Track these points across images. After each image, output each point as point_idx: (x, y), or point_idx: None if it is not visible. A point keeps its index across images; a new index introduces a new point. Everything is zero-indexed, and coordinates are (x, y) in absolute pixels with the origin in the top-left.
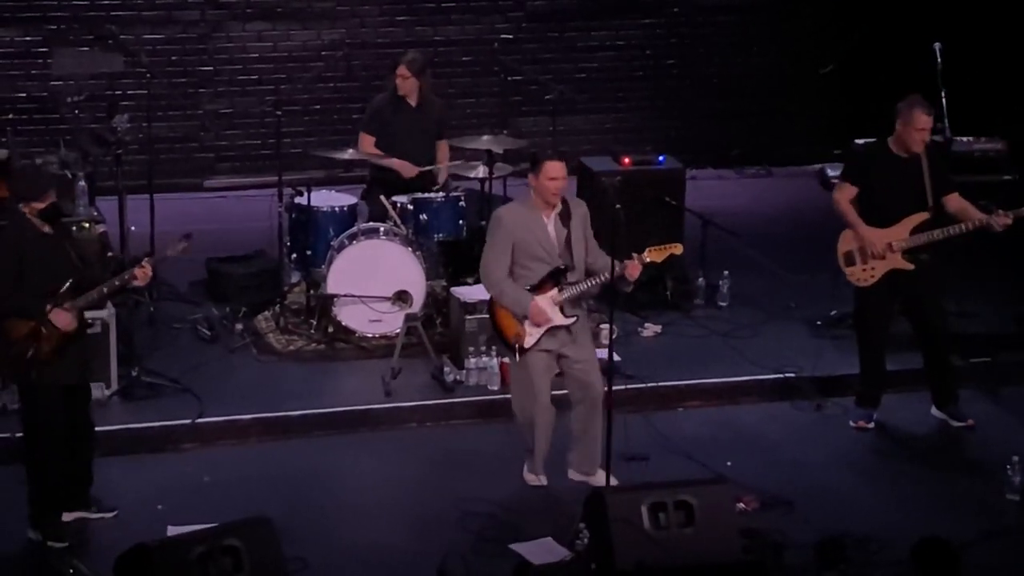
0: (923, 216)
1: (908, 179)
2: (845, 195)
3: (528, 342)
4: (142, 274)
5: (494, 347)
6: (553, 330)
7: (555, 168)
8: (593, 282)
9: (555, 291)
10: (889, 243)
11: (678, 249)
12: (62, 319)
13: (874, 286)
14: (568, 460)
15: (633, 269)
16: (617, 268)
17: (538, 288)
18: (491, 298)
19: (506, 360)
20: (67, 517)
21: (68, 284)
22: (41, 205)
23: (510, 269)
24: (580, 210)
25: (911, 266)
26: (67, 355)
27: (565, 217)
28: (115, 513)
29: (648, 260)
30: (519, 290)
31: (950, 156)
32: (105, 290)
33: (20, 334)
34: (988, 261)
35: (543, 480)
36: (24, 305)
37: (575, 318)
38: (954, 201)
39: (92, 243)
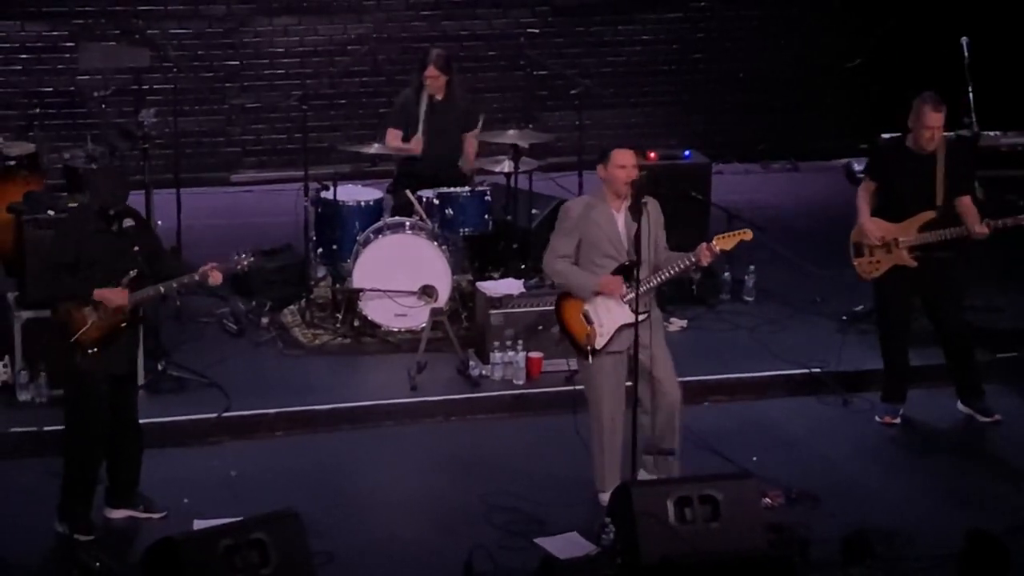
0: (930, 215)
1: (920, 177)
2: (865, 188)
3: (600, 342)
4: (216, 276)
5: (519, 341)
6: (623, 329)
7: (624, 156)
8: (663, 276)
9: (624, 288)
10: (896, 239)
11: (747, 235)
12: (114, 296)
13: (886, 281)
14: (643, 462)
15: (704, 257)
16: (688, 260)
17: None
18: (558, 301)
19: (533, 355)
20: (115, 515)
21: (130, 276)
22: (109, 211)
23: (576, 264)
24: (652, 207)
25: (914, 263)
26: (115, 344)
27: (636, 212)
28: (164, 515)
29: (718, 248)
30: (583, 272)
31: (977, 150)
32: (162, 289)
33: (69, 316)
34: (1014, 256)
35: (605, 497)
36: (74, 288)
37: (646, 315)
38: (962, 204)
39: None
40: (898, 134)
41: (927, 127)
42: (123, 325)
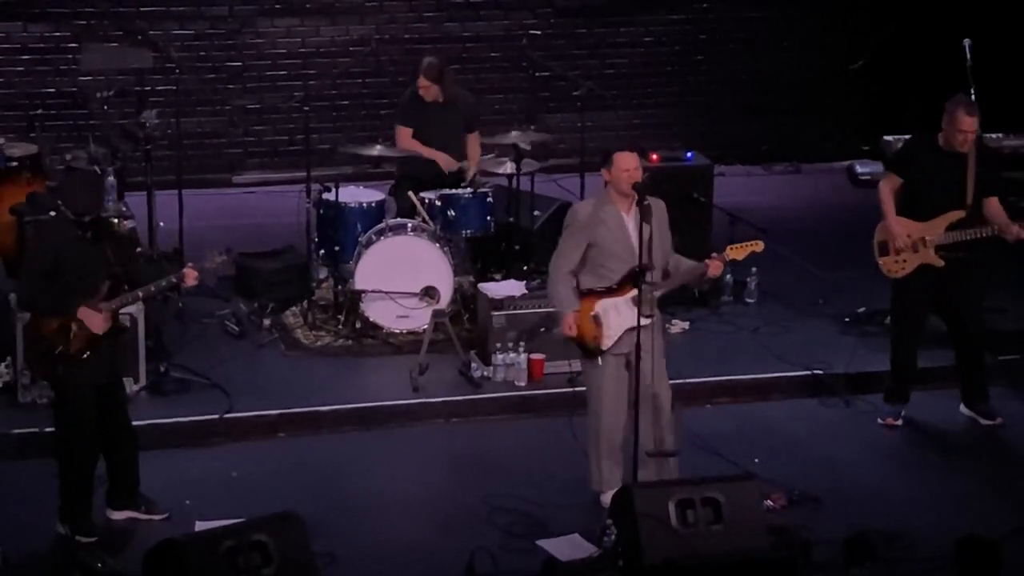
0: (959, 214)
1: (950, 175)
2: (888, 185)
3: (607, 344)
4: (191, 276)
5: (522, 343)
6: (629, 332)
7: (627, 159)
8: (673, 283)
9: (634, 292)
10: (923, 237)
11: (759, 246)
12: (94, 321)
13: (909, 279)
14: (643, 465)
15: (715, 268)
16: (699, 267)
17: (618, 289)
18: None
19: (535, 356)
20: (116, 516)
21: (105, 285)
22: (84, 218)
23: (585, 266)
24: (659, 208)
25: (941, 263)
26: (98, 354)
27: (644, 214)
28: (167, 516)
29: (729, 258)
30: (569, 295)
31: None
32: (140, 294)
33: (50, 330)
34: (1017, 256)
35: (606, 499)
36: (56, 303)
37: (651, 318)
38: (990, 205)
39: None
40: (907, 135)
41: (960, 131)
42: (103, 335)
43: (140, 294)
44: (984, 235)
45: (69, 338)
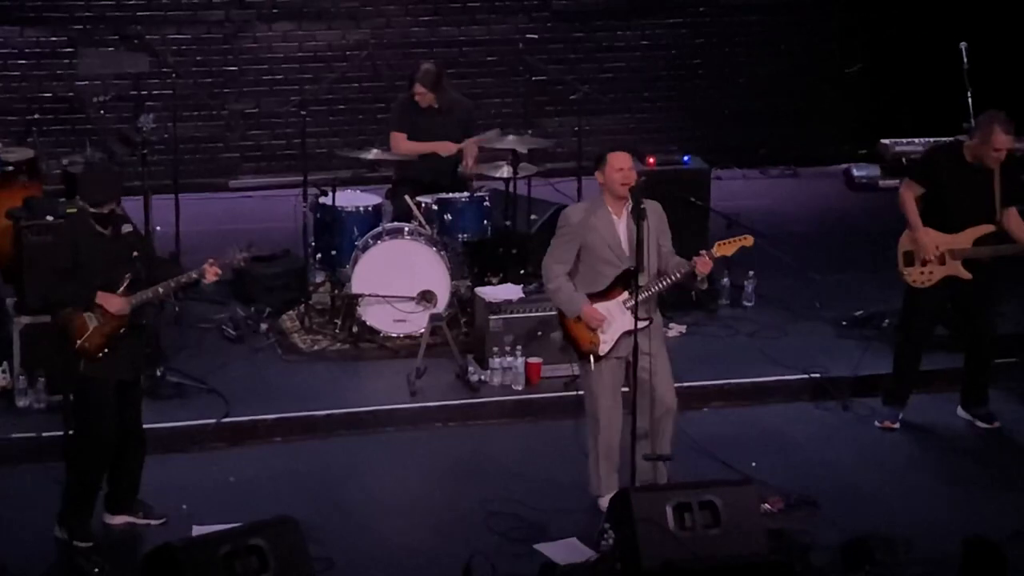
0: (988, 228)
1: (978, 188)
2: (911, 193)
3: (603, 349)
4: (212, 272)
5: (519, 347)
6: (626, 335)
7: (621, 159)
8: (664, 283)
9: (625, 295)
10: (951, 250)
11: (748, 241)
12: (112, 303)
13: (928, 288)
14: (640, 468)
15: (703, 265)
16: (687, 266)
17: (608, 292)
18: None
19: (532, 360)
20: (114, 521)
21: (127, 280)
22: (99, 211)
23: (578, 270)
24: (653, 211)
25: (969, 276)
26: (119, 349)
27: (638, 216)
28: (163, 521)
29: (718, 255)
30: (574, 292)
31: None
32: (160, 290)
33: (70, 322)
34: (1014, 260)
35: (604, 502)
36: (73, 293)
37: (649, 321)
38: (1010, 216)
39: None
40: (905, 138)
41: (996, 148)
42: (123, 330)
43: (160, 290)
44: (1014, 252)
45: (87, 332)
